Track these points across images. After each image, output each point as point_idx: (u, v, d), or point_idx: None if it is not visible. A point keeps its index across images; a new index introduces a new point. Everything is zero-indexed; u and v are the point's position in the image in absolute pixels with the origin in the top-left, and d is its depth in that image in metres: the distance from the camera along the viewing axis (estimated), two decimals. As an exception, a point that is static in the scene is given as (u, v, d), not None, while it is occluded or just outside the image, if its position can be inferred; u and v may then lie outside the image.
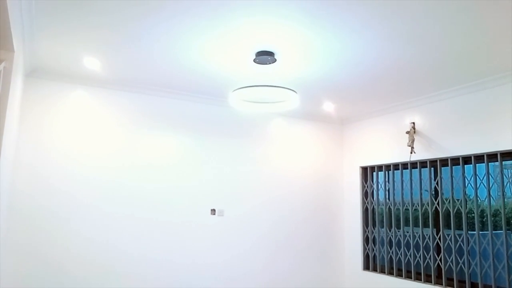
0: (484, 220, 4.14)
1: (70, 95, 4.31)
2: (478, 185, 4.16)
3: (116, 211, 4.39)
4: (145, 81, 4.40)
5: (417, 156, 4.72)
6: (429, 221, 4.59)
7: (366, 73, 3.88)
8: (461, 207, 4.28)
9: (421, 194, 4.75)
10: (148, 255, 4.48)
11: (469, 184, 4.26)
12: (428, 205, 4.64)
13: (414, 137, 4.73)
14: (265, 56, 3.45)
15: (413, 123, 4.78)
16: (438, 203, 4.52)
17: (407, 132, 4.80)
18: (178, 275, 4.61)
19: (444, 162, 4.53)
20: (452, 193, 4.38)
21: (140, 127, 4.62)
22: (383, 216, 5.25)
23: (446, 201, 4.45)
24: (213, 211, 4.91)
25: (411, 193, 4.88)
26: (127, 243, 4.39)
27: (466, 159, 4.31)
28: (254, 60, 3.56)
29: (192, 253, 4.72)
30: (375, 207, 5.38)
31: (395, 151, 5.05)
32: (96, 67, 3.94)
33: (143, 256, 4.46)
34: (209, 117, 5.03)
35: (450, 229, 4.35)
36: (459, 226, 4.31)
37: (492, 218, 4.01)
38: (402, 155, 4.92)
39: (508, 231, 3.88)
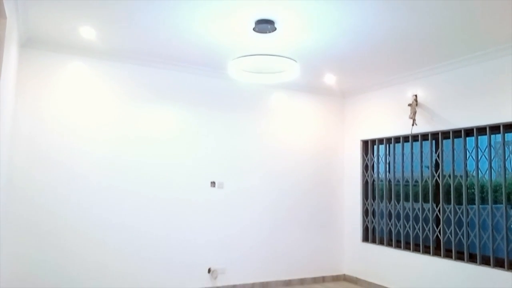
0: (484, 195, 4.12)
1: (67, 66, 4.24)
2: (479, 158, 4.13)
3: (114, 184, 4.39)
4: (143, 52, 4.32)
5: (418, 129, 4.67)
6: (429, 196, 4.58)
7: (367, 42, 3.80)
8: (462, 179, 4.26)
9: (421, 169, 4.73)
10: (146, 229, 4.51)
11: (470, 157, 4.23)
12: (428, 179, 4.62)
13: (416, 109, 4.68)
14: (264, 25, 3.37)
15: (416, 95, 4.71)
16: (438, 176, 4.50)
17: (409, 105, 4.74)
18: (178, 250, 4.65)
19: (445, 134, 4.49)
20: (453, 167, 4.36)
21: (139, 99, 4.56)
22: (383, 190, 5.25)
23: (447, 175, 4.43)
24: (212, 184, 4.91)
25: (412, 168, 4.86)
26: (125, 217, 4.41)
27: (468, 132, 4.26)
28: (254, 29, 3.48)
29: (193, 227, 4.75)
30: (375, 180, 5.38)
31: (396, 124, 5.00)
32: (92, 36, 3.85)
33: (142, 230, 4.48)
34: (209, 90, 4.96)
35: (450, 203, 4.35)
36: (459, 201, 4.31)
37: (493, 194, 3.99)
38: (404, 128, 4.88)
39: (508, 205, 3.87)
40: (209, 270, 4.78)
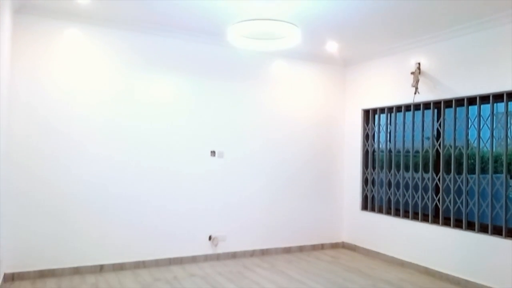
0: (484, 165, 4.11)
1: (63, 33, 4.14)
2: (481, 127, 4.10)
3: (114, 154, 4.37)
4: (140, 19, 4.21)
5: (421, 98, 4.61)
6: (429, 166, 4.58)
7: (370, 7, 3.68)
8: (463, 148, 4.24)
9: (422, 139, 4.70)
10: (147, 198, 4.53)
11: (472, 126, 4.20)
12: (429, 148, 4.60)
13: (419, 77, 4.60)
14: (265, -12, 3.26)
15: (419, 63, 4.63)
16: (439, 145, 4.48)
17: (412, 73, 4.66)
18: (179, 218, 4.69)
19: (448, 103, 4.44)
20: (454, 136, 4.32)
21: (136, 68, 4.49)
22: (383, 159, 5.25)
23: (447, 145, 4.41)
24: (212, 153, 4.90)
25: (413, 137, 4.83)
26: (125, 186, 4.42)
27: (471, 100, 4.21)
28: (254, -7, 3.37)
29: (193, 196, 4.77)
30: (376, 150, 5.37)
31: (398, 93, 4.94)
32: (88, 1, 3.74)
33: (142, 200, 4.50)
34: (208, 58, 4.87)
35: (450, 173, 4.34)
36: (459, 171, 4.30)
37: (493, 164, 3.98)
38: (405, 97, 4.82)
39: (508, 174, 3.87)
40: (209, 238, 4.85)
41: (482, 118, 4.10)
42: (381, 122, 5.34)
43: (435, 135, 4.57)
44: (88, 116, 4.25)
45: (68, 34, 4.17)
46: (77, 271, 4.15)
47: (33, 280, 3.93)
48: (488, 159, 4.00)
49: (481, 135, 4.10)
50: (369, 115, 5.48)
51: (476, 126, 4.14)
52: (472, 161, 4.22)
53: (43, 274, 4.01)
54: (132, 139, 4.46)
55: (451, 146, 4.36)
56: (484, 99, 4.07)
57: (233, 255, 4.96)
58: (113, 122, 4.36)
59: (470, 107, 4.23)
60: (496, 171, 4.02)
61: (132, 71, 4.46)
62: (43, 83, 4.06)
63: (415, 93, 4.59)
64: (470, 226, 4.15)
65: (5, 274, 3.87)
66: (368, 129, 5.47)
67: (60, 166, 4.12)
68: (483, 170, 4.12)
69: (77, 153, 4.19)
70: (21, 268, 3.95)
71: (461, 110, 4.31)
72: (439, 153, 4.48)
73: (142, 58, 4.51)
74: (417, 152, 4.77)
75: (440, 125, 4.50)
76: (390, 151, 5.18)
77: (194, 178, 4.78)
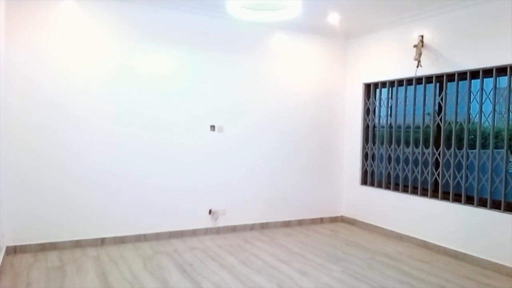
0: (485, 141, 4.09)
1: (59, 5, 4.03)
2: (483, 101, 4.05)
3: (113, 127, 4.34)
4: (137, -12, 4.10)
5: (423, 71, 4.54)
6: (429, 141, 4.56)
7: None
8: (464, 123, 4.21)
9: (423, 114, 4.66)
10: (147, 172, 4.52)
11: (474, 100, 4.15)
12: (430, 122, 4.57)
13: (422, 50, 4.52)
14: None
15: (422, 36, 4.53)
16: (440, 120, 4.45)
17: (415, 46, 4.57)
18: (179, 192, 4.69)
19: (450, 77, 4.37)
20: (456, 110, 4.28)
21: (135, 40, 4.39)
22: (383, 135, 5.22)
23: (449, 120, 4.38)
24: (212, 128, 4.87)
25: (414, 112, 4.78)
26: (125, 160, 4.41)
27: (474, 74, 4.15)
28: (254, -39, 3.26)
29: (193, 170, 4.76)
30: (376, 124, 5.33)
31: (400, 67, 4.87)
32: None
33: (142, 174, 4.49)
34: (208, 30, 4.76)
35: (451, 148, 4.33)
36: (459, 146, 4.28)
37: (494, 140, 3.96)
38: (408, 71, 4.74)
39: (509, 149, 3.85)
40: (209, 212, 4.87)
41: (485, 92, 4.05)
42: (382, 97, 5.28)
43: (437, 110, 4.53)
44: (86, 90, 4.19)
45: (64, 6, 4.06)
46: (78, 244, 4.18)
47: (34, 253, 3.97)
48: (489, 134, 3.98)
49: (483, 109, 4.05)
50: (370, 89, 5.41)
51: (478, 100, 4.09)
52: (473, 136, 4.19)
53: (44, 247, 4.05)
54: (131, 113, 4.41)
55: (452, 121, 4.33)
56: (487, 72, 4.01)
57: (233, 229, 5.00)
58: (111, 95, 4.31)
59: (472, 81, 4.17)
60: (496, 146, 4.00)
61: (130, 43, 4.37)
62: (40, 56, 3.99)
63: (417, 67, 4.52)
64: (469, 201, 4.16)
65: (7, 247, 3.90)
66: (369, 103, 5.42)
67: (58, 140, 4.09)
68: (484, 146, 4.10)
69: (75, 127, 4.16)
70: (23, 241, 3.98)
71: (464, 84, 4.26)
72: (440, 128, 4.45)
73: (140, 30, 4.41)
74: (418, 128, 4.74)
75: (442, 99, 4.46)
76: (390, 126, 5.15)
77: (194, 152, 4.76)
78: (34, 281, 3.28)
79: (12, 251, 3.93)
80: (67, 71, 4.09)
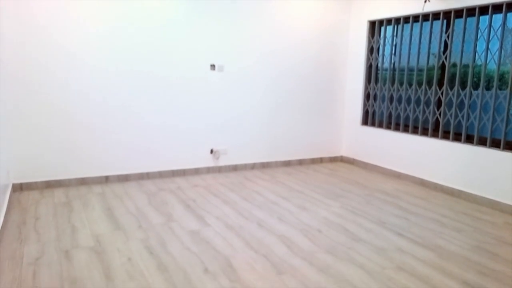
0: (489, 83, 4.03)
1: None
2: (491, 37, 3.94)
3: (113, 66, 4.25)
4: None
5: (430, 7, 4.38)
6: (433, 81, 4.49)
7: None
8: (469, 62, 4.13)
9: (428, 54, 4.55)
10: (148, 111, 4.50)
11: (481, 37, 4.04)
12: (435, 61, 4.48)
13: (430, -16, 4.33)
14: None
15: (431, -32, 4.32)
16: (445, 58, 4.36)
17: (423, -21, 4.38)
18: (180, 132, 4.71)
19: (458, 13, 4.23)
20: (462, 48, 4.18)
21: (130, -29, 4.19)
22: (386, 75, 5.14)
23: (454, 59, 4.28)
24: (212, 67, 4.78)
25: (419, 52, 4.66)
26: (126, 99, 4.37)
27: (483, 10, 4.00)
28: None
29: (194, 110, 4.74)
30: (379, 64, 5.24)
31: (407, 2, 4.68)
32: None
33: (143, 113, 4.48)
34: (206, -39, 4.54)
35: (454, 87, 4.27)
36: (463, 86, 4.23)
37: (499, 83, 3.90)
38: (414, 7, 4.57)
39: (513, 85, 3.81)
40: (211, 151, 4.92)
41: (493, 28, 3.93)
42: (387, 35, 5.14)
43: (442, 49, 4.43)
44: (85, 27, 4.06)
45: None
46: (83, 181, 4.27)
47: (40, 190, 4.06)
48: (494, 76, 3.91)
49: (490, 46, 3.96)
50: (375, 27, 5.25)
51: (485, 38, 3.99)
52: (476, 79, 4.13)
53: (50, 185, 4.14)
54: (130, 51, 4.31)
55: (457, 61, 4.24)
56: (497, 8, 3.87)
57: (234, 168, 5.09)
58: (111, 33, 4.18)
59: (481, 17, 4.03)
60: (501, 88, 3.95)
61: (125, -24, 4.18)
62: (31, -11, 3.82)
63: (425, 2, 4.36)
64: (469, 140, 4.19)
65: (13, 185, 3.98)
66: (373, 41, 5.28)
67: (57, 78, 4.03)
68: (488, 88, 4.06)
69: (73, 64, 4.07)
70: (29, 179, 4.06)
71: (471, 21, 4.12)
72: (444, 66, 4.38)
73: (134, -39, 4.20)
74: (421, 70, 4.66)
75: (448, 37, 4.34)
76: (394, 66, 5.06)
77: (194, 92, 4.72)
78: (42, 215, 3.38)
79: (18, 188, 4.02)
80: (65, 6, 3.93)
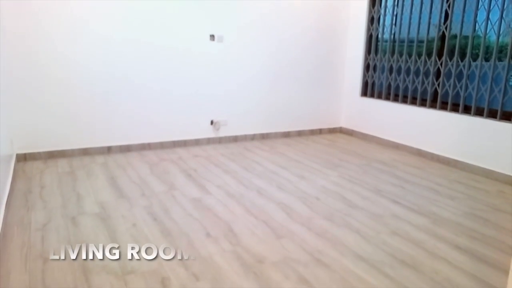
0: (488, 55, 4.03)
1: None
2: (492, 7, 3.93)
3: (114, 36, 4.24)
4: None
5: (432, -24, 4.33)
6: (432, 52, 4.49)
7: None
8: (469, 33, 4.12)
9: (429, 24, 4.52)
10: (149, 82, 4.52)
11: (482, 7, 4.02)
12: (436, 32, 4.46)
13: (433, -48, 4.26)
14: None
15: None
16: (445, 28, 4.34)
17: None
18: (181, 103, 4.74)
19: (460, -18, 4.19)
20: (463, 17, 4.16)
21: None
22: (386, 46, 5.12)
23: (454, 30, 4.27)
24: (212, 37, 4.76)
25: (419, 22, 4.63)
26: (127, 70, 4.38)
27: (485, -22, 3.97)
28: None
29: (194, 81, 4.76)
30: (380, 34, 5.21)
31: (408, -29, 4.63)
32: None
33: (144, 84, 4.50)
34: None
35: (453, 58, 4.28)
36: (462, 57, 4.24)
37: (499, 55, 3.91)
38: (416, -25, 4.52)
39: (512, 55, 3.82)
40: (211, 122, 4.97)
41: (494, -3, 3.91)
42: (388, 5, 5.09)
43: (443, 19, 4.40)
44: (80, -4, 4.03)
45: None
46: (86, 152, 4.34)
47: (44, 160, 4.14)
48: (494, 47, 3.92)
49: (490, 16, 3.94)
50: (375, -4, 5.21)
51: (486, 7, 3.97)
52: (477, 51, 4.13)
53: (53, 155, 4.21)
54: (131, 23, 4.29)
55: (457, 32, 4.24)
56: (500, -24, 3.84)
57: (235, 139, 5.15)
58: (111, 3, 4.15)
59: (483, -14, 4.00)
60: (500, 59, 3.96)
61: None
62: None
63: (426, -29, 4.30)
64: (467, 110, 4.24)
65: (17, 155, 4.05)
66: (374, 12, 5.24)
67: (58, 50, 4.03)
68: (487, 59, 4.06)
69: (73, 32, 4.07)
70: (32, 149, 4.13)
71: (473, -9, 4.09)
72: (445, 37, 4.37)
73: None
74: (422, 41, 4.65)
75: (449, 6, 4.31)
76: (394, 36, 5.04)
77: (194, 63, 4.72)
78: (47, 184, 3.47)
79: (22, 158, 4.09)
80: (58, -26, 3.90)
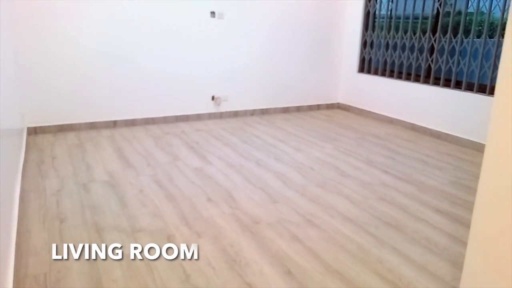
0: (480, 32, 4.16)
1: None
2: (484, -16, 4.04)
3: (117, 14, 4.38)
4: None
5: (428, -47, 4.41)
6: (427, 29, 4.61)
7: None
8: (462, 9, 4.24)
9: (423, 2, 4.62)
10: (150, 59, 4.67)
11: (476, -16, 4.13)
12: (430, 8, 4.57)
13: None
14: None
15: None
16: (440, 4, 4.46)
17: None
18: (182, 79, 4.90)
19: (455, -41, 4.28)
20: (457, -6, 4.27)
21: None
22: (383, 22, 5.23)
23: (448, 7, 4.38)
24: (212, 14, 4.88)
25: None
26: (127, 48, 4.53)
27: (479, -45, 4.05)
28: None
29: (195, 57, 4.91)
30: (377, 11, 5.31)
31: None
32: None
33: (146, 61, 4.65)
34: None
35: (447, 34, 4.40)
36: (455, 33, 4.36)
37: (489, 32, 4.04)
38: (413, -48, 4.60)
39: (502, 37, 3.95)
40: (212, 98, 5.15)
41: (487, -25, 4.01)
42: (385, -19, 5.19)
43: (438, -5, 4.52)
44: (84, -26, 4.15)
45: None
46: (92, 126, 4.54)
47: (54, 133, 4.35)
48: (485, 23, 4.04)
49: (483, -6, 4.06)
50: (373, -27, 5.28)
51: (479, -16, 4.08)
52: (469, 26, 4.25)
53: (62, 128, 4.41)
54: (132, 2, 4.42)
55: (451, 5, 4.35)
56: (493, -46, 3.93)
57: (235, 114, 5.33)
58: (110, -20, 4.28)
59: (477, -37, 4.10)
60: (491, 36, 4.09)
61: None
62: None
63: None
64: (458, 85, 4.39)
65: (28, 128, 4.26)
66: (371, -11, 5.33)
67: (66, 31, 4.18)
68: (479, 36, 4.19)
69: (76, 13, 4.21)
70: (42, 123, 4.33)
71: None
72: (439, 13, 4.49)
73: None
74: (417, 18, 4.76)
75: (444, -17, 4.41)
76: (391, 13, 5.14)
77: (196, 40, 4.86)
78: (58, 155, 3.68)
79: (33, 131, 4.30)
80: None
